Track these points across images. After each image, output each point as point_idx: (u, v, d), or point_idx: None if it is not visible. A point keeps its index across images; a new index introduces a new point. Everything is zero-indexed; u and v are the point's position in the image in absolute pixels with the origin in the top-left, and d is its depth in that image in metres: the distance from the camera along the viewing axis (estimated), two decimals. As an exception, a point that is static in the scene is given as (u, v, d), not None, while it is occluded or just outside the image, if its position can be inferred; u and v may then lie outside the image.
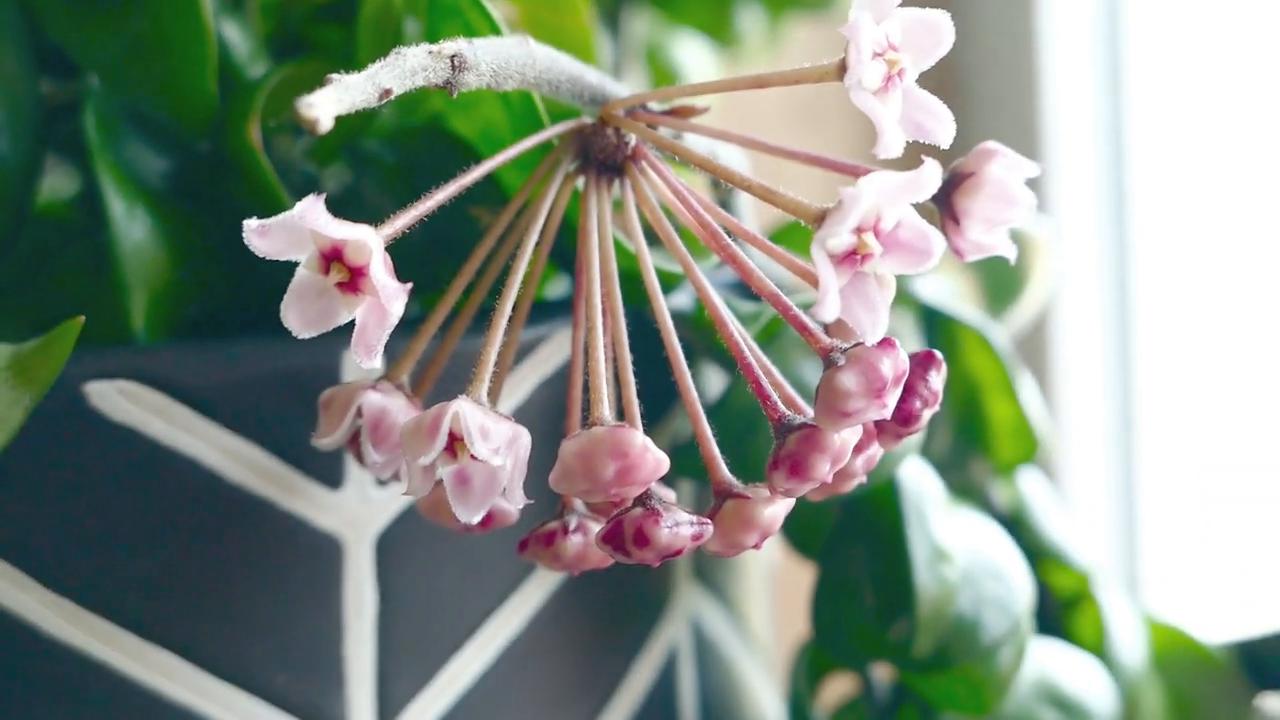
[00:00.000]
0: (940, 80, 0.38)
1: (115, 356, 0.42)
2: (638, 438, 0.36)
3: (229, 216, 0.45)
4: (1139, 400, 1.07)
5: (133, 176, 0.44)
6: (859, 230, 0.35)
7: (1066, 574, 0.59)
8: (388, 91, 0.35)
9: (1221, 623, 0.65)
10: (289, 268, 0.36)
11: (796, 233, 0.54)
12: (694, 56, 0.73)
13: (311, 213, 0.34)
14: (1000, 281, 0.60)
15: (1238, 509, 1.08)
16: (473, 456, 0.36)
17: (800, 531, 0.53)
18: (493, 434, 0.36)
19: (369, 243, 0.35)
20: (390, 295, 0.35)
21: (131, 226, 0.43)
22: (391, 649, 0.45)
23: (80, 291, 0.46)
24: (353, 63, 0.46)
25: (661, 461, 0.36)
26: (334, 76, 0.34)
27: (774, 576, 0.61)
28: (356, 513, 0.44)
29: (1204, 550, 1.09)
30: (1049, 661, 0.52)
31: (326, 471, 0.43)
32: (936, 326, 0.55)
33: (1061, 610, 0.59)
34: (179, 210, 0.45)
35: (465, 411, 0.36)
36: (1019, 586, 0.50)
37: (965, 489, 0.58)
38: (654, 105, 0.41)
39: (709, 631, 0.54)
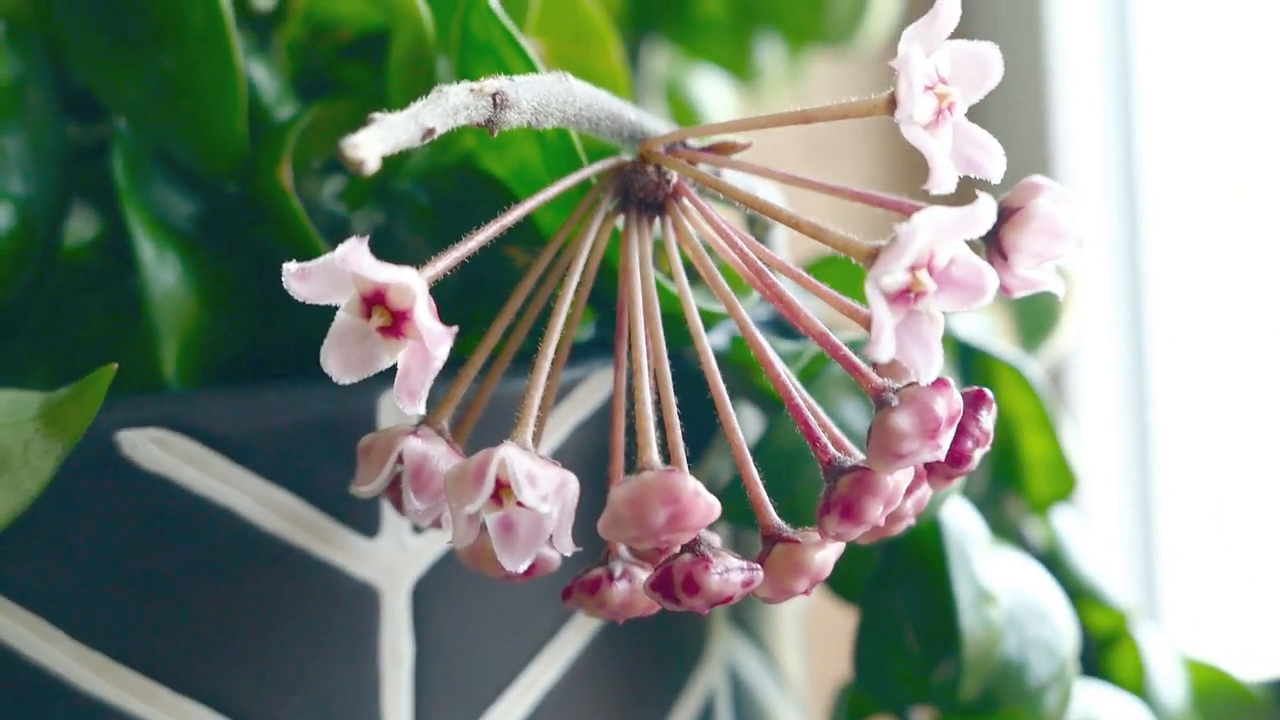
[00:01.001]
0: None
1: (147, 404, 0.41)
2: (689, 482, 0.35)
3: (259, 260, 0.44)
4: (1156, 433, 1.06)
5: (162, 220, 0.43)
6: (913, 268, 0.34)
7: (1104, 613, 0.58)
8: (431, 130, 0.34)
9: (1244, 658, 0.64)
10: (321, 311, 0.35)
11: (831, 267, 0.53)
12: (713, 92, 0.72)
13: (354, 255, 0.34)
14: (1035, 316, 0.59)
15: (1259, 543, 1.07)
16: (519, 503, 0.35)
17: (840, 575, 0.51)
18: (541, 480, 0.35)
19: (413, 286, 0.34)
20: (436, 339, 0.34)
21: (162, 271, 0.43)
22: (429, 699, 0.44)
23: (108, 337, 0.45)
24: (383, 102, 0.46)
25: (713, 506, 0.35)
26: (376, 116, 0.33)
27: (806, 617, 0.60)
28: (393, 561, 0.43)
29: (1225, 586, 1.08)
30: (1093, 703, 0.51)
31: (362, 519, 0.42)
32: (972, 363, 0.54)
33: (1099, 649, 0.58)
34: (209, 254, 0.44)
35: (512, 457, 0.35)
36: (1064, 628, 0.49)
37: (1000, 527, 0.58)
38: (693, 142, 0.41)
39: (745, 676, 0.53)
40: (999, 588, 0.48)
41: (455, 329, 0.34)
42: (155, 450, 0.40)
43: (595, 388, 0.45)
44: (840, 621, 0.52)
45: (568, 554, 0.36)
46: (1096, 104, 1.06)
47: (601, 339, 0.49)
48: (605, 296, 0.43)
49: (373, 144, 0.32)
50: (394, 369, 0.36)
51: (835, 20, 0.67)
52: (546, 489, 0.35)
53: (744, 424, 0.49)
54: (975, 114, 0.38)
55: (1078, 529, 0.59)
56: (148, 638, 0.41)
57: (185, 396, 0.42)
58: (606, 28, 0.51)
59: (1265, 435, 1.06)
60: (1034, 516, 0.58)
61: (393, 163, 0.46)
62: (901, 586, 0.49)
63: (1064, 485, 0.57)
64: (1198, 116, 1.08)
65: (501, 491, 0.35)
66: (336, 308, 0.35)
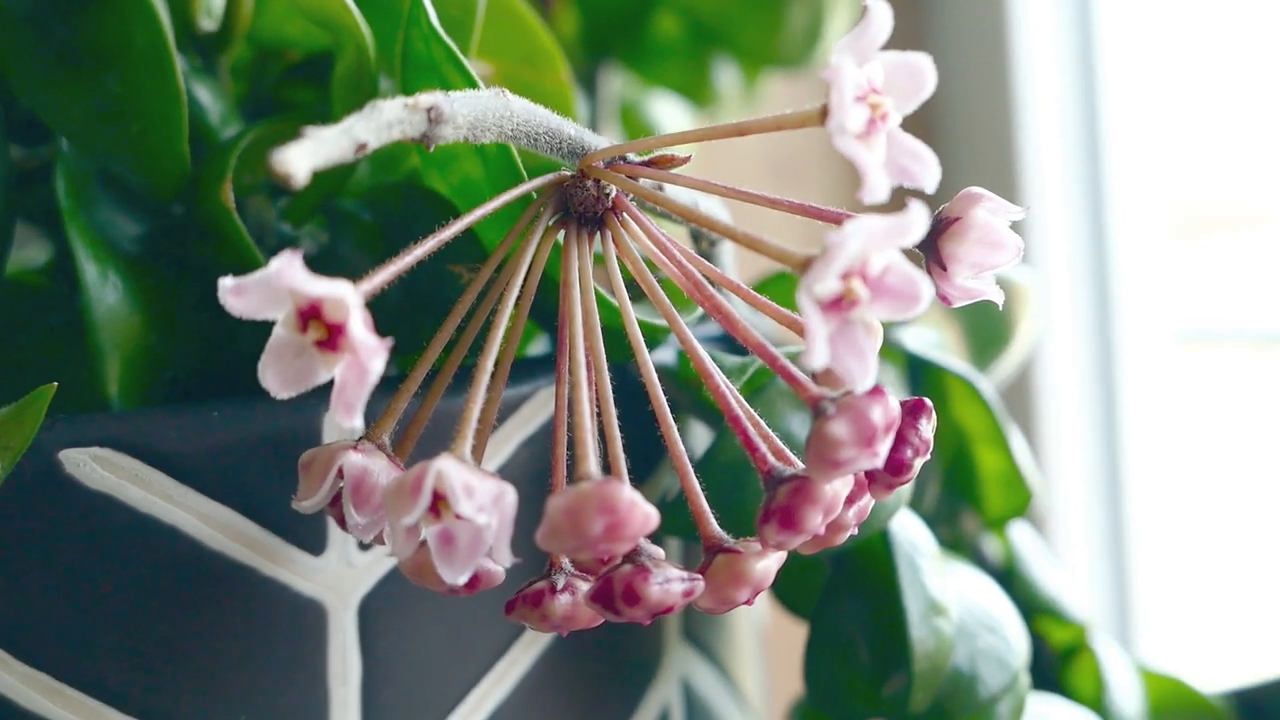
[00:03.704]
0: (916, 127, 0.37)
1: (90, 423, 0.41)
2: (625, 491, 0.35)
3: (203, 279, 0.44)
4: (1125, 450, 1.07)
5: (105, 240, 0.43)
6: (846, 276, 0.34)
7: (1062, 627, 0.58)
8: (363, 145, 0.34)
9: (1215, 670, 0.64)
10: (265, 329, 0.35)
11: (779, 284, 0.53)
12: (670, 116, 0.72)
13: (288, 270, 0.34)
14: (986, 331, 0.59)
15: (1228, 556, 1.07)
16: (457, 515, 0.35)
17: (791, 590, 0.52)
18: (477, 491, 0.35)
19: (347, 299, 0.34)
20: (370, 352, 0.34)
21: (104, 291, 0.43)
22: (378, 717, 0.44)
23: (53, 359, 0.45)
24: (328, 122, 0.46)
25: (650, 516, 0.35)
26: (308, 130, 0.33)
27: (764, 636, 0.60)
28: (340, 578, 0.43)
29: (1195, 598, 1.08)
30: (1048, 715, 0.51)
31: (308, 537, 0.42)
32: (923, 377, 0.54)
33: (1058, 663, 0.58)
34: (152, 274, 0.44)
35: (448, 469, 0.35)
36: (1015, 639, 0.49)
37: (956, 543, 0.58)
38: (633, 156, 0.41)
39: (700, 693, 0.53)
40: (949, 599, 0.48)
41: (390, 341, 0.34)
42: (98, 469, 0.40)
43: (541, 405, 0.45)
44: (800, 640, 0.52)
45: (506, 566, 0.36)
46: (1060, 112, 1.06)
47: (549, 356, 0.49)
48: (552, 313, 0.43)
49: (302, 158, 0.32)
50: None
51: (790, 43, 0.67)
52: (483, 500, 0.35)
53: (693, 440, 0.49)
54: (940, 126, 0.38)
55: (1033, 543, 0.59)
56: (95, 659, 0.41)
57: (129, 415, 0.42)
58: (556, 49, 0.52)
59: (1235, 444, 1.07)
60: (989, 532, 0.58)
61: (337, 180, 0.46)
62: (851, 600, 0.49)
63: (1019, 500, 0.57)
64: (1163, 122, 1.08)
65: (440, 504, 0.35)
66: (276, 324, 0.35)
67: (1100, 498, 1.07)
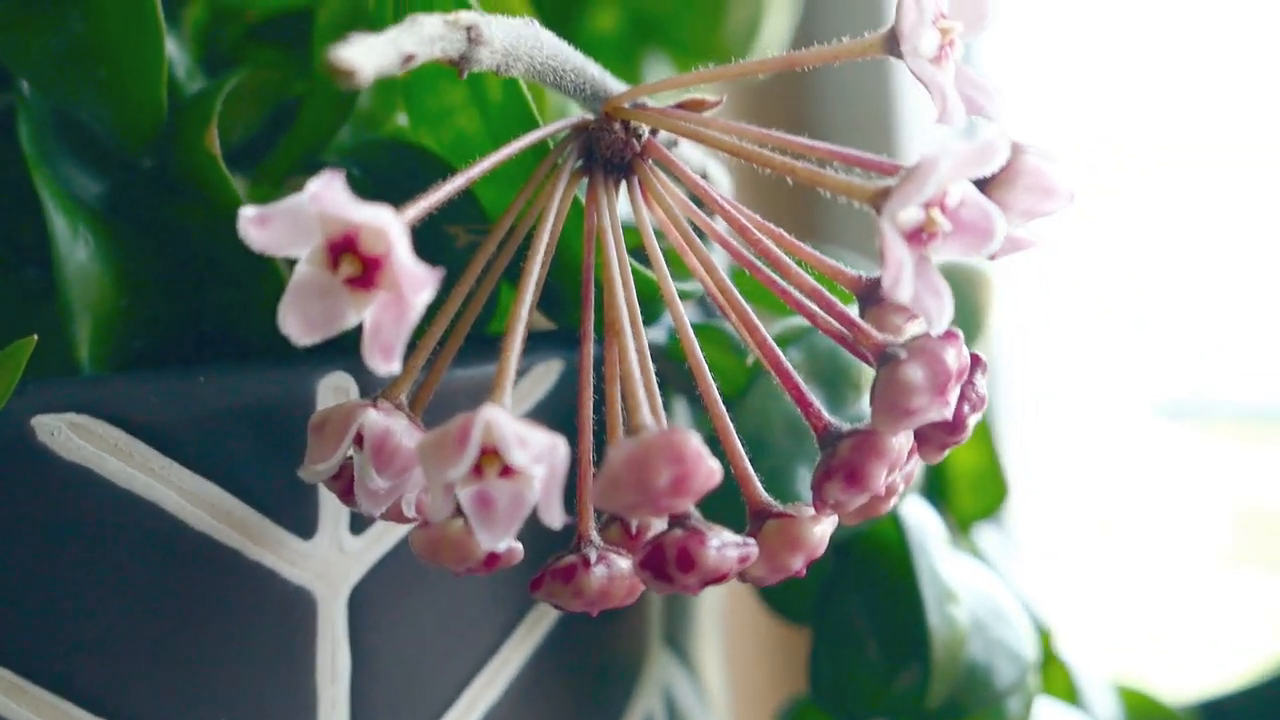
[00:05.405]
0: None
1: (66, 387, 0.37)
2: (693, 439, 0.32)
3: (176, 240, 0.41)
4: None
5: (72, 193, 0.39)
6: (927, 205, 0.32)
7: (1033, 633, 0.56)
8: (410, 57, 0.31)
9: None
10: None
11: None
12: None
13: (328, 193, 0.30)
14: (961, 319, 0.57)
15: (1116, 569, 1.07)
16: (504, 471, 0.32)
17: (783, 594, 0.49)
18: (531, 442, 0.32)
19: (390, 228, 0.31)
20: (417, 284, 0.31)
21: (75, 246, 0.39)
22: (367, 717, 0.40)
23: (15, 324, 0.41)
24: (307, 75, 0.43)
25: (715, 470, 0.32)
26: (355, 35, 0.30)
27: (723, 627, 0.57)
28: (330, 564, 0.39)
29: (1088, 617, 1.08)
30: (1049, 716, 0.49)
31: (298, 518, 0.39)
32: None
33: (1029, 670, 0.56)
34: (122, 232, 0.40)
35: (498, 419, 0.32)
36: (1024, 631, 0.47)
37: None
38: (650, 100, 0.38)
39: (679, 701, 0.49)
40: (960, 588, 0.45)
41: (441, 271, 0.31)
42: (74, 438, 0.36)
43: (538, 380, 0.42)
44: (761, 630, 0.49)
45: (557, 526, 0.33)
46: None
47: (538, 332, 0.46)
48: (547, 285, 0.40)
49: (364, 56, 0.29)
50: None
51: (730, 40, 0.65)
52: (539, 450, 0.32)
53: (676, 420, 0.46)
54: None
55: (1000, 547, 0.57)
56: (63, 652, 0.37)
57: (108, 380, 0.38)
58: (528, 10, 0.49)
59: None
60: (958, 534, 0.56)
61: (318, 138, 0.43)
62: (858, 593, 0.46)
63: (990, 501, 0.55)
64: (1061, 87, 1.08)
65: (482, 460, 0.32)
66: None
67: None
